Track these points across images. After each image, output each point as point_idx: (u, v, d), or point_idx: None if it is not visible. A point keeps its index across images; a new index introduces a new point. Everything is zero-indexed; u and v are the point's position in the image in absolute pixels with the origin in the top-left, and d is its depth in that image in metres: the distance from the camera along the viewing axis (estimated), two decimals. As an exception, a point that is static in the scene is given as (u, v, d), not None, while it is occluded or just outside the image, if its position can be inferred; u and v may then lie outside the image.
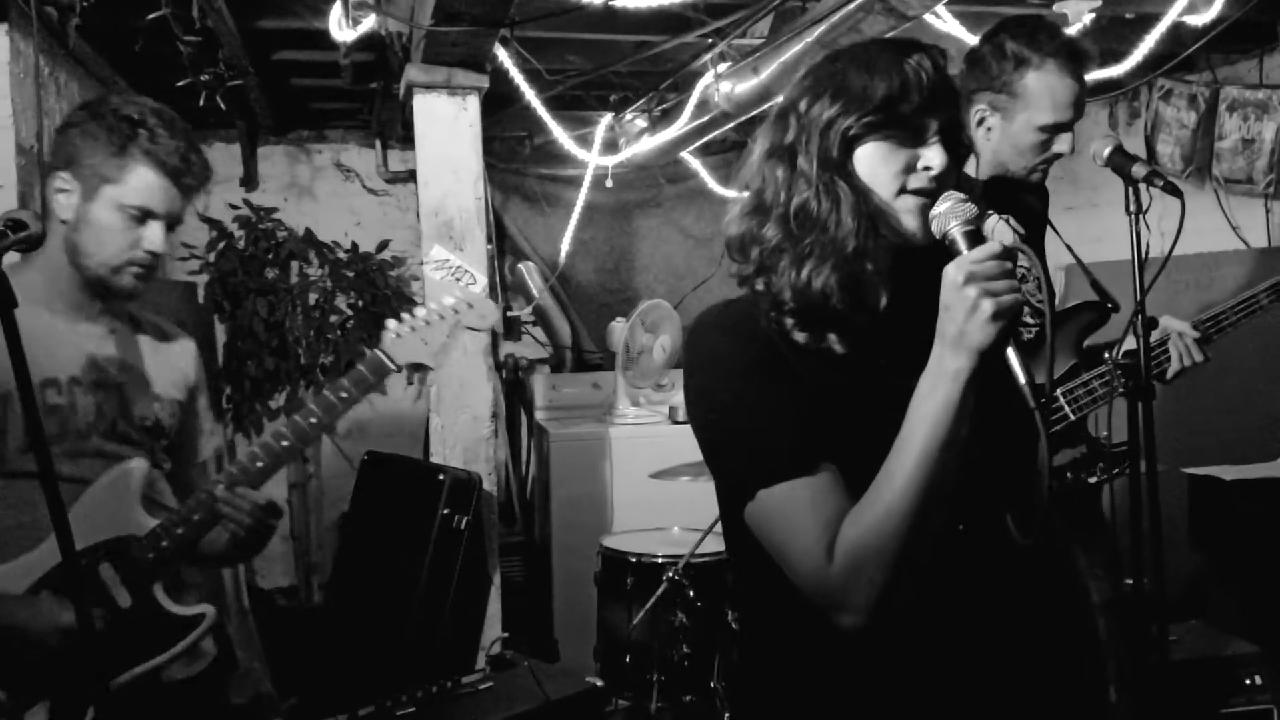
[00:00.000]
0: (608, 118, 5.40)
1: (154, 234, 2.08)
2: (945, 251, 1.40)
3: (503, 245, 6.04)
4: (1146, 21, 4.06)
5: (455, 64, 3.81)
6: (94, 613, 1.94)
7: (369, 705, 2.89)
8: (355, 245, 6.07)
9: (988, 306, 1.31)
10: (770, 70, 3.81)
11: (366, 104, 5.58)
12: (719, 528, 1.65)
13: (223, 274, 5.72)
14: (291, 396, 5.85)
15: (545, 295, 5.93)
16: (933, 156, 1.45)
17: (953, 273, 1.34)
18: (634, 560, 3.78)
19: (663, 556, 3.72)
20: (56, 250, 2.04)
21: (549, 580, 4.96)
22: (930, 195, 1.45)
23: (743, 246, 1.55)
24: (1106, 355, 2.46)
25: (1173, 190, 2.29)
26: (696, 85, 4.47)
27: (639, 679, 3.68)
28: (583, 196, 5.57)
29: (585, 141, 5.25)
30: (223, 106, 4.70)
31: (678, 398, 5.36)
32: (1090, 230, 4.58)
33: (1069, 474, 2.48)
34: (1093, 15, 3.77)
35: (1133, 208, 2.29)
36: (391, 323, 2.28)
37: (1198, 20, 3.93)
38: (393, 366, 2.24)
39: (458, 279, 3.89)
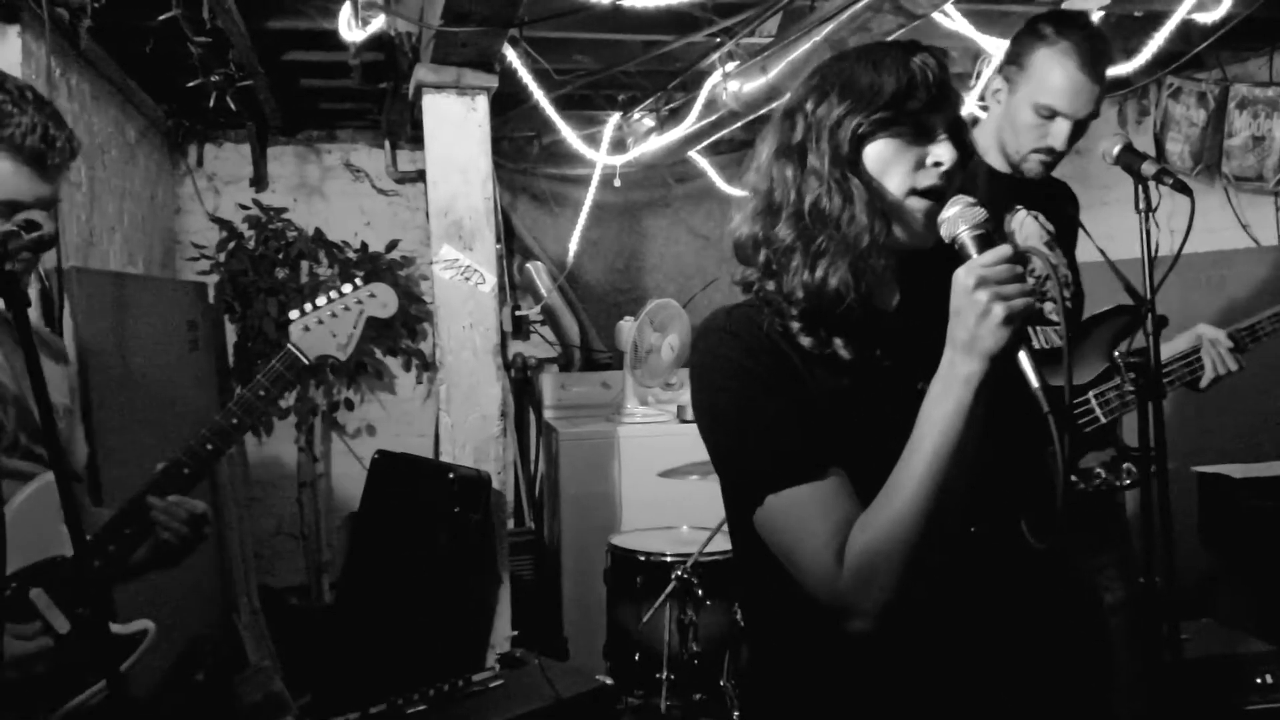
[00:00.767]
0: (616, 117, 5.41)
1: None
2: (951, 255, 1.40)
3: (511, 245, 6.05)
4: (1156, 19, 4.06)
5: (464, 64, 3.82)
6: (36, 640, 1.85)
7: (381, 703, 2.90)
8: (365, 245, 6.08)
9: (999, 311, 1.30)
10: (779, 69, 3.81)
11: (376, 104, 5.59)
12: (727, 527, 1.65)
13: (233, 274, 5.74)
14: (301, 396, 5.86)
15: (554, 295, 5.94)
16: (942, 152, 1.45)
17: (963, 277, 1.34)
18: (643, 559, 3.79)
19: (671, 555, 3.73)
20: None
21: (558, 579, 4.97)
22: (939, 192, 1.45)
23: (753, 248, 1.55)
24: (1115, 355, 2.46)
25: (1182, 188, 2.29)
26: (704, 84, 4.48)
27: (648, 677, 3.68)
28: (591, 196, 5.57)
29: (593, 141, 5.26)
30: (233, 107, 4.71)
31: (686, 396, 5.35)
32: (1100, 229, 4.52)
33: (1099, 477, 2.47)
34: (1102, 13, 3.76)
35: (1142, 206, 2.28)
36: (294, 314, 2.21)
37: (1207, 18, 3.92)
38: (305, 360, 2.18)
39: (467, 278, 3.90)
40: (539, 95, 4.32)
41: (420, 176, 6.10)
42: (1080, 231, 2.76)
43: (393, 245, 6.09)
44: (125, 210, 4.76)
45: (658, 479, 3.96)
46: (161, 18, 3.74)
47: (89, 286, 3.78)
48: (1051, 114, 2.47)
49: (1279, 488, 3.76)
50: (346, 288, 2.27)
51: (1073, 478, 2.47)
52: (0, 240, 1.65)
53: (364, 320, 2.26)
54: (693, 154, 5.58)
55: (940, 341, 1.37)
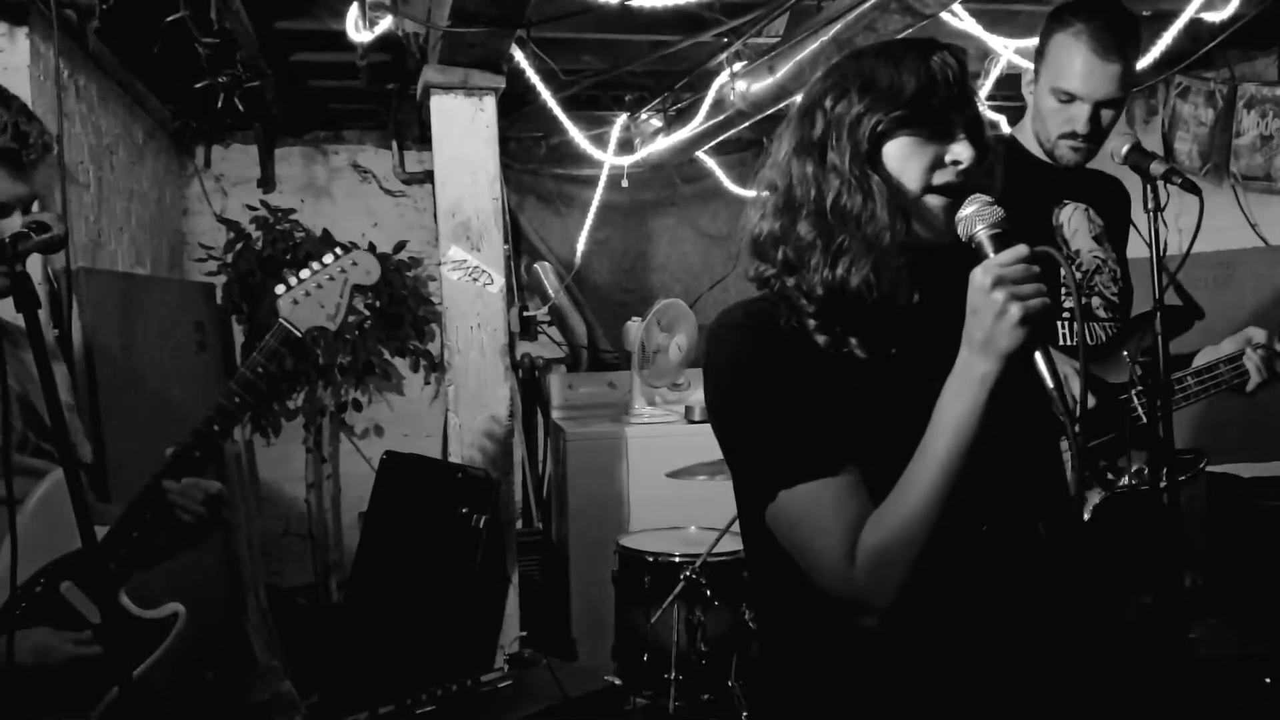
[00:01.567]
0: (623, 117, 5.41)
1: (8, 227, 1.85)
2: (968, 254, 1.40)
3: (518, 245, 6.05)
4: (1164, 18, 4.05)
5: (472, 65, 3.82)
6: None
7: (389, 703, 2.90)
8: (373, 246, 6.07)
9: (1015, 311, 1.30)
10: (786, 69, 3.81)
11: (383, 105, 5.60)
12: (736, 527, 1.65)
13: (240, 275, 5.74)
14: (310, 396, 5.88)
15: (561, 295, 5.94)
16: (961, 151, 1.45)
17: (980, 276, 1.34)
18: (651, 559, 3.79)
19: (680, 555, 3.73)
20: None
21: (566, 579, 4.98)
22: (957, 191, 1.45)
23: (772, 245, 1.54)
24: (1125, 353, 2.45)
25: (1191, 187, 2.28)
26: (712, 84, 4.48)
27: (657, 677, 3.69)
28: (598, 196, 5.57)
29: (601, 141, 5.26)
30: (240, 108, 4.72)
31: (694, 397, 5.37)
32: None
33: (1136, 477, 2.46)
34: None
35: (1151, 205, 2.27)
36: (280, 288, 2.19)
37: (1215, 17, 3.91)
38: (298, 333, 2.17)
39: (475, 279, 3.90)
40: (546, 96, 4.32)
41: (427, 177, 6.11)
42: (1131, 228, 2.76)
43: (400, 246, 6.09)
44: (133, 211, 4.77)
45: (665, 479, 3.96)
46: (169, 19, 3.75)
47: (97, 287, 3.79)
48: (1070, 97, 2.47)
49: (1288, 487, 3.76)
50: (328, 257, 2.24)
51: (1110, 475, 2.46)
52: (11, 242, 1.66)
53: (350, 289, 2.23)
54: (700, 154, 5.58)
55: (956, 340, 1.37)
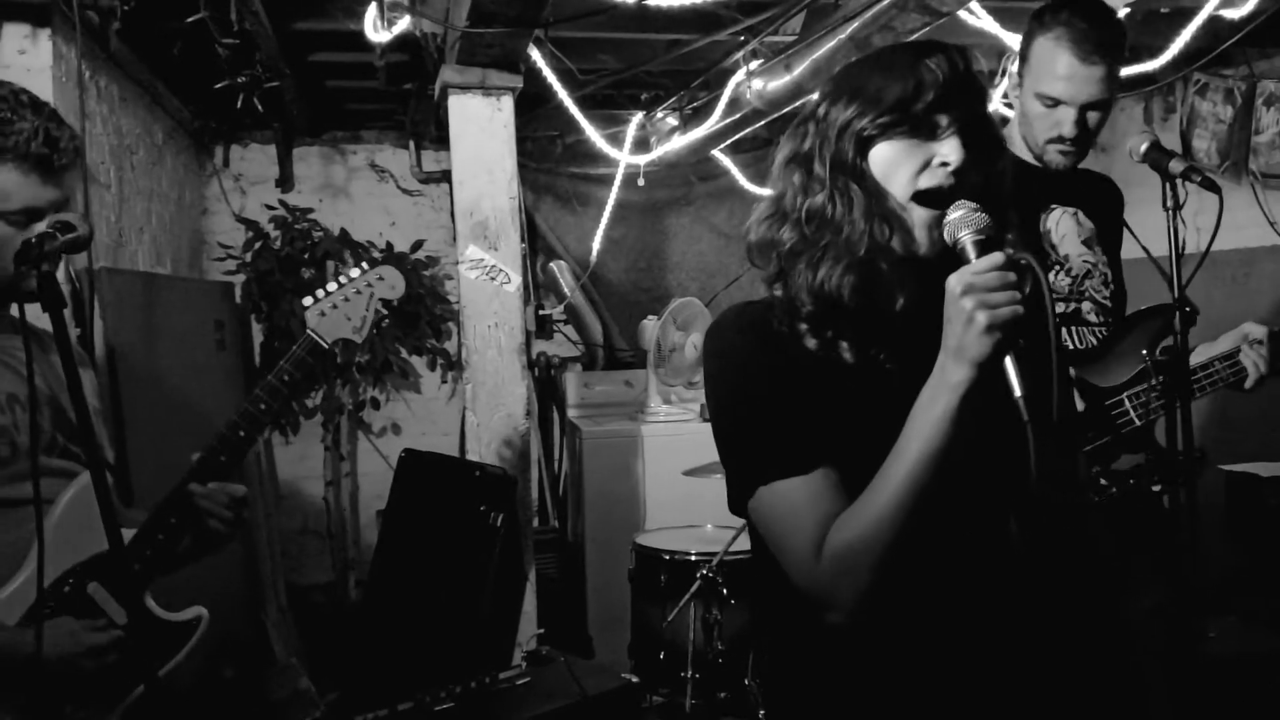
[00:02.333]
0: (639, 116, 5.42)
1: (38, 230, 1.82)
2: (958, 260, 1.40)
3: (535, 244, 6.07)
4: (1182, 16, 4.04)
5: (490, 65, 3.84)
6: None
7: (408, 701, 2.91)
8: (390, 245, 6.11)
9: (982, 319, 1.31)
10: (802, 68, 3.82)
11: (401, 105, 5.62)
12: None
13: (259, 274, 5.77)
14: (328, 395, 5.90)
15: (577, 294, 5.95)
16: (949, 151, 1.44)
17: (953, 283, 1.34)
18: (667, 557, 3.80)
19: (696, 554, 3.74)
20: None
21: (582, 577, 4.99)
22: (948, 193, 1.44)
23: (762, 251, 1.58)
24: (1144, 352, 2.44)
25: (1211, 185, 2.27)
26: (728, 83, 4.48)
27: (673, 675, 3.70)
28: (614, 195, 5.59)
29: (617, 140, 5.27)
30: (259, 108, 4.75)
31: (710, 395, 5.36)
32: (1125, 226, 4.55)
33: (1131, 480, 2.45)
34: (1127, 9, 3.75)
35: (1170, 204, 2.26)
36: (308, 300, 2.25)
37: (1234, 14, 3.90)
38: (325, 344, 2.22)
39: (492, 278, 3.91)
40: (563, 95, 4.34)
41: (444, 177, 6.13)
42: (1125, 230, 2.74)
43: (418, 245, 6.12)
44: (153, 211, 4.80)
45: (681, 477, 3.97)
46: (189, 20, 3.78)
47: (118, 286, 3.82)
48: (1054, 102, 2.44)
49: (1307, 487, 3.74)
50: (354, 272, 2.31)
51: (1103, 481, 2.45)
52: (37, 242, 1.68)
53: (375, 302, 2.30)
54: (716, 153, 5.59)
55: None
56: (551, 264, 6.05)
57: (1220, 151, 5.14)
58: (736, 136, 4.98)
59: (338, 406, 5.99)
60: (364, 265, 2.34)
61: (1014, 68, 2.58)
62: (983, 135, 1.48)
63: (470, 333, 3.94)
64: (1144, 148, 2.32)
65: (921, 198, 1.45)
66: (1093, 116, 2.47)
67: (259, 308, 5.79)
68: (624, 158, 5.29)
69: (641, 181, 5.54)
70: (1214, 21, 3.98)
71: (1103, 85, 2.43)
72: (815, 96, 1.58)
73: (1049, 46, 2.43)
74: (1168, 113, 5.48)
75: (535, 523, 5.34)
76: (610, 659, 4.15)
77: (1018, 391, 1.32)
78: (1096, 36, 2.40)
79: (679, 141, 5.23)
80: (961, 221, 1.40)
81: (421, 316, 5.99)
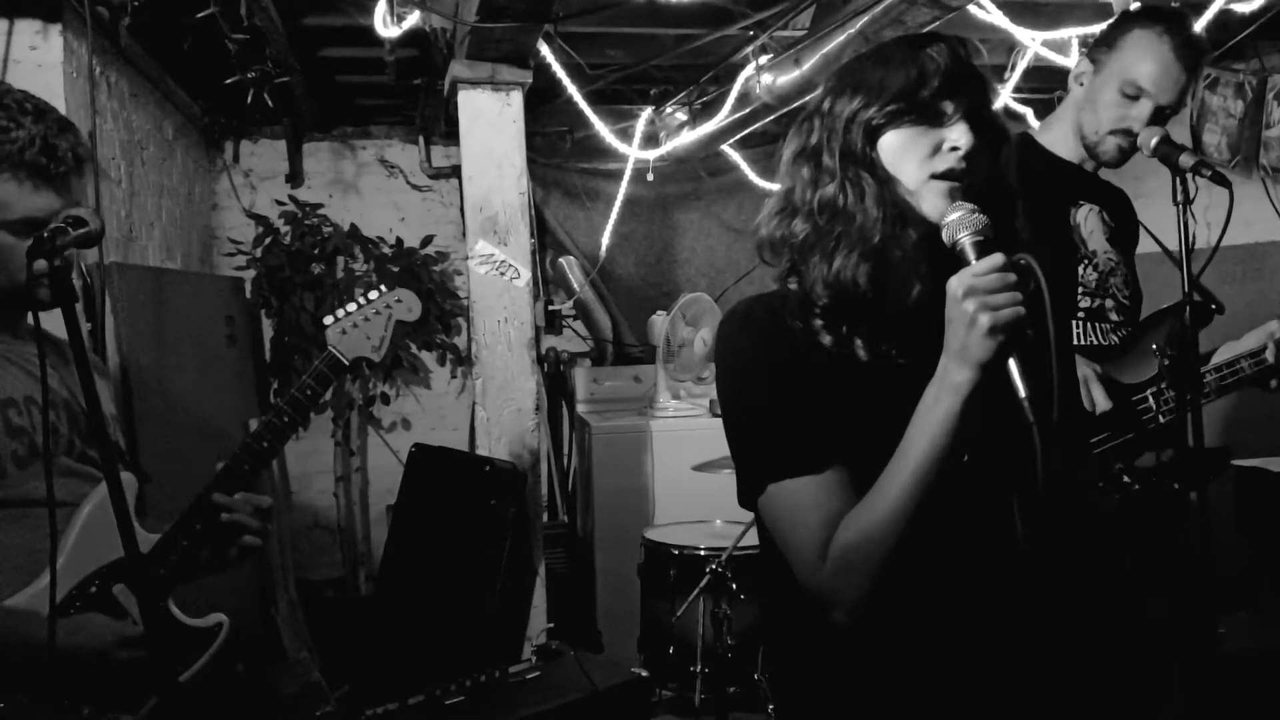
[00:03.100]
0: (648, 111, 5.42)
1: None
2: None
3: (544, 240, 6.07)
4: (1193, 9, 4.00)
5: (499, 60, 3.84)
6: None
7: (419, 694, 2.92)
8: (400, 240, 6.13)
9: (984, 321, 1.30)
10: (812, 62, 3.81)
11: (410, 100, 5.63)
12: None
13: (269, 269, 5.79)
14: (338, 391, 5.91)
15: (586, 289, 5.96)
16: (958, 136, 1.44)
17: (954, 285, 1.34)
18: (676, 552, 3.80)
19: (705, 549, 3.74)
20: None
21: (592, 572, 4.99)
22: (958, 176, 1.44)
23: (773, 247, 1.57)
24: (1154, 347, 2.44)
25: (1221, 180, 2.26)
26: (738, 78, 4.48)
27: (683, 670, 3.70)
28: (623, 190, 5.59)
29: (626, 135, 5.27)
30: (269, 103, 4.75)
31: (719, 390, 5.36)
32: (1135, 221, 4.53)
33: (1154, 476, 2.44)
34: (1139, 3, 3.73)
35: (1180, 198, 2.26)
36: (329, 319, 2.30)
37: (1245, 7, 3.88)
38: (345, 361, 2.27)
39: (502, 273, 3.92)
40: (572, 90, 4.34)
41: (454, 172, 6.14)
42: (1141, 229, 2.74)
43: (427, 241, 6.13)
44: (163, 206, 4.81)
45: (691, 472, 3.97)
46: (200, 15, 3.79)
47: (129, 282, 3.83)
48: (1137, 93, 2.45)
49: (1319, 481, 3.73)
50: (373, 294, 2.38)
51: (1125, 478, 2.45)
52: (49, 236, 1.68)
53: (393, 324, 2.37)
54: (725, 147, 5.59)
55: None
56: (561, 259, 6.05)
57: (1230, 146, 5.12)
58: (746, 131, 4.98)
59: (348, 402, 6.01)
60: (383, 288, 2.40)
61: (1088, 56, 2.57)
62: (985, 122, 1.48)
63: (480, 328, 3.95)
64: (1154, 142, 2.32)
65: (937, 178, 1.45)
66: (1159, 117, 2.48)
67: (269, 303, 5.80)
68: (633, 153, 5.29)
69: (651, 177, 5.54)
70: (1225, 15, 3.96)
71: (1181, 95, 2.47)
72: (819, 93, 1.58)
73: (1151, 39, 2.44)
74: (1178, 107, 5.45)
75: (545, 518, 5.35)
76: (620, 654, 4.16)
77: (1022, 393, 1.32)
78: (1196, 53, 2.46)
79: (688, 136, 5.23)
80: (960, 223, 1.40)
81: (431, 312, 6.01)
